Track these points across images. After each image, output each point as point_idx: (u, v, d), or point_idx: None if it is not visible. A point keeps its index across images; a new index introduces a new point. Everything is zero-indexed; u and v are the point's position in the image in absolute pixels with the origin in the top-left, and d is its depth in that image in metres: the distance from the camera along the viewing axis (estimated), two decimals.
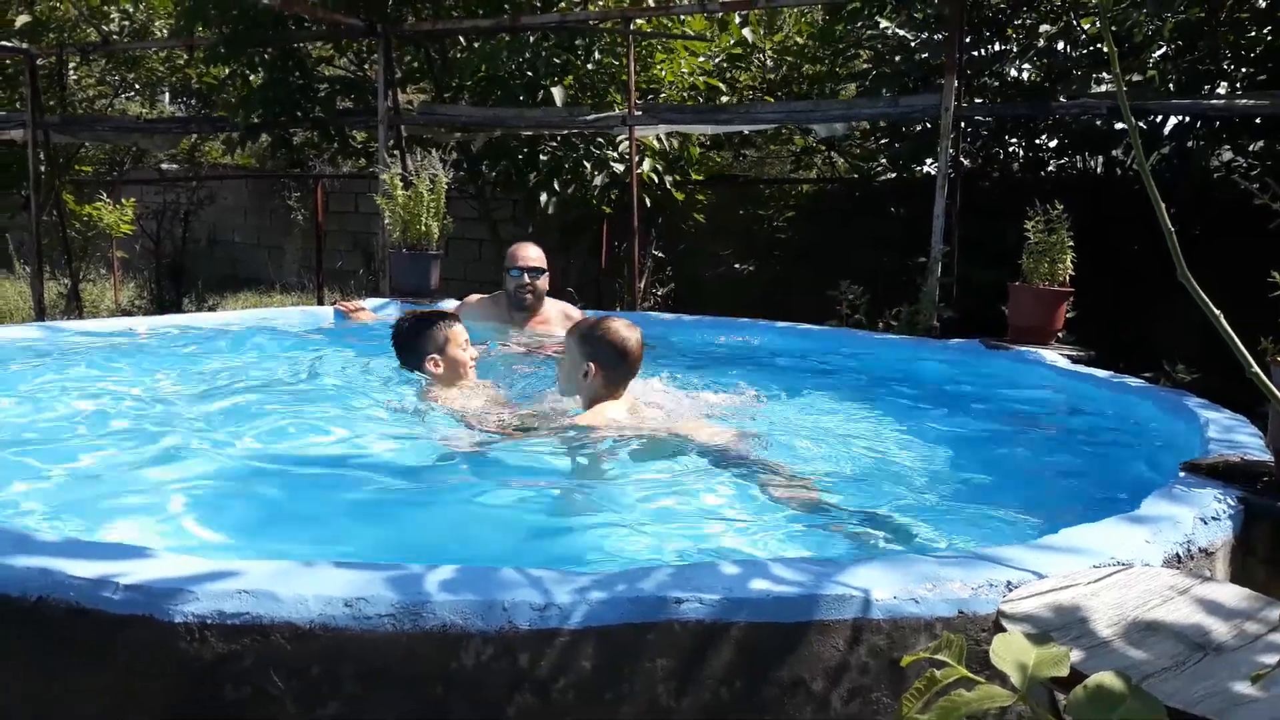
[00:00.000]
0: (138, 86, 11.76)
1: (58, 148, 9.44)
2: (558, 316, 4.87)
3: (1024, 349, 4.26)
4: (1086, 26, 7.07)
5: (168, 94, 12.31)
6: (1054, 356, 4.13)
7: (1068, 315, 4.73)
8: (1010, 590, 1.53)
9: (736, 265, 9.05)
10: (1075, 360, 4.17)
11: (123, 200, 10.07)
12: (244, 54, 7.97)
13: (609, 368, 2.85)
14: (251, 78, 8.51)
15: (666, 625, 1.41)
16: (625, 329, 2.89)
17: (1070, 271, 4.62)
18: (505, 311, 4.85)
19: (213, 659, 1.35)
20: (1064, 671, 0.92)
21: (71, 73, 10.76)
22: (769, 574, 1.51)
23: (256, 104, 7.81)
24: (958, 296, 5.79)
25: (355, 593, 1.37)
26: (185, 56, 10.05)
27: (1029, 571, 1.60)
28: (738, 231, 9.23)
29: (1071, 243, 4.61)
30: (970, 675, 0.95)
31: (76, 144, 10.49)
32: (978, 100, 7.27)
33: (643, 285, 7.90)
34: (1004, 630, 1.23)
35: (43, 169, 8.52)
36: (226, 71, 9.13)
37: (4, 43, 8.54)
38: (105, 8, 9.59)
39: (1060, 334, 4.74)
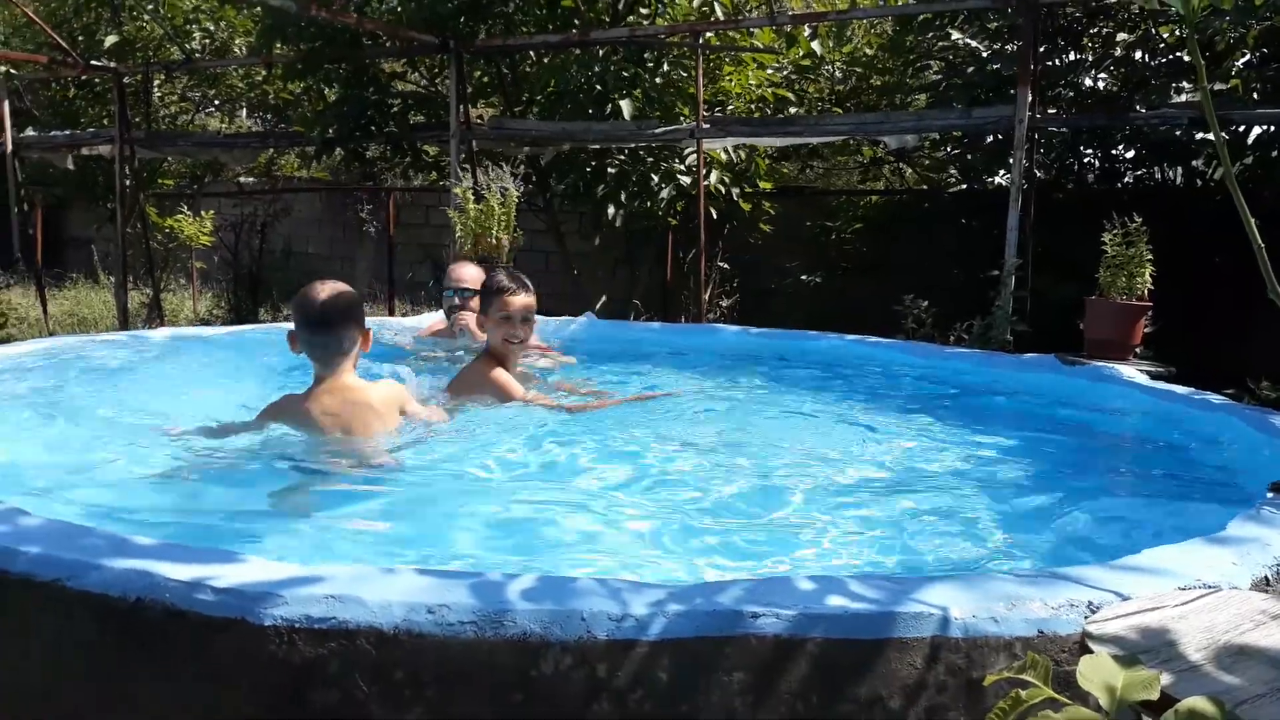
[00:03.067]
0: (217, 102, 12.14)
1: (142, 162, 9.77)
2: None
3: (1101, 364, 4.17)
4: (1165, 35, 6.92)
5: (245, 109, 12.68)
6: (1132, 372, 4.03)
7: (1146, 330, 4.63)
8: (1092, 611, 1.51)
9: (803, 277, 9.01)
10: (1154, 376, 4.08)
11: (202, 213, 10.39)
12: (320, 71, 8.17)
13: None
14: (327, 93, 8.73)
15: (743, 639, 1.41)
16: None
17: (1149, 285, 4.52)
18: (453, 336, 4.77)
19: (301, 662, 1.39)
20: (1154, 695, 0.91)
21: (156, 90, 11.13)
22: (845, 590, 1.50)
23: (332, 119, 8.01)
24: (1030, 310, 5.70)
25: (438, 599, 1.40)
26: (264, 73, 10.34)
27: (1111, 592, 1.57)
28: (804, 243, 9.20)
29: (1150, 256, 4.51)
30: (1057, 696, 0.94)
31: (160, 158, 10.84)
32: (1052, 110, 7.15)
33: (708, 296, 7.91)
34: (1090, 652, 1.22)
35: (128, 183, 8.83)
36: (303, 87, 9.37)
37: (95, 62, 8.86)
38: (188, 27, 9.92)
39: (1138, 349, 4.64)
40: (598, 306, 8.66)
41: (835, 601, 1.47)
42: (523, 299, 3.38)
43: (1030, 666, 0.98)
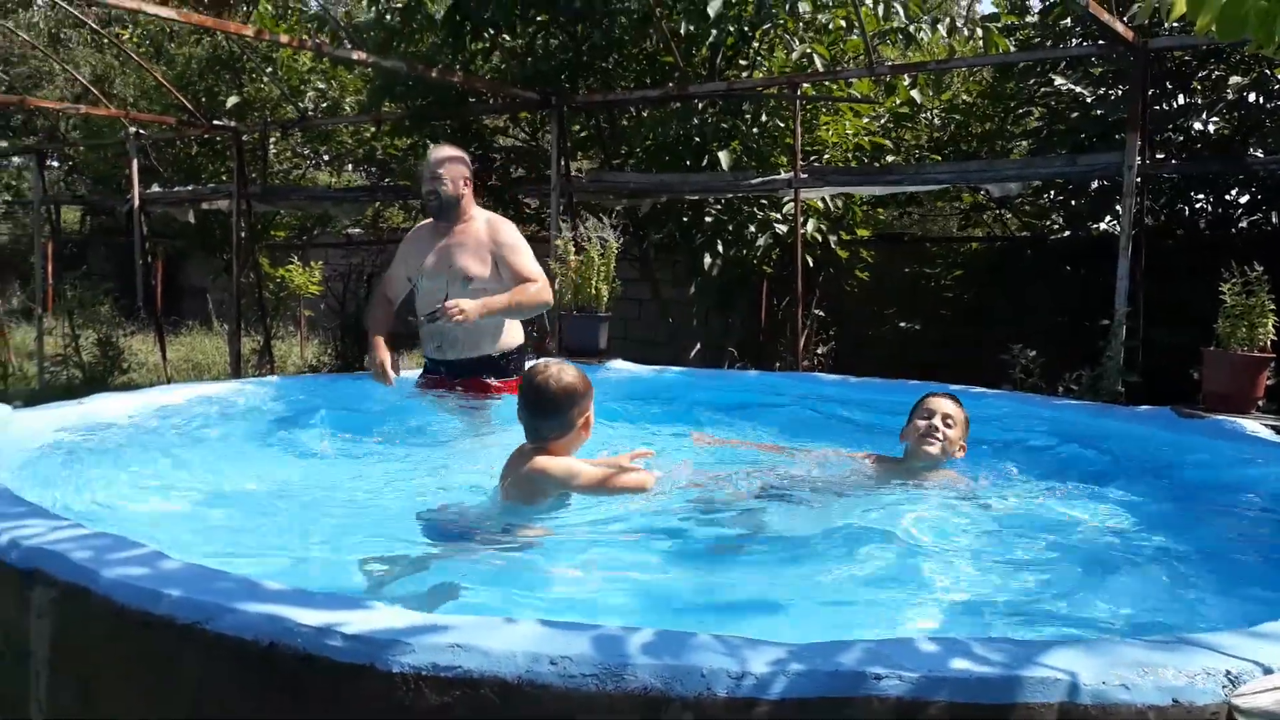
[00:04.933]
0: (327, 158, 12.65)
1: (257, 215, 10.22)
2: (483, 227, 4.42)
3: (1221, 418, 4.01)
4: None
5: (352, 165, 13.18)
6: (1255, 426, 3.87)
7: (1269, 383, 4.44)
8: (1230, 680, 1.46)
9: (901, 324, 8.90)
10: None
11: (311, 263, 10.80)
12: (427, 127, 8.46)
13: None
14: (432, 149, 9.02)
15: (865, 701, 1.40)
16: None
17: (1272, 336, 4.35)
18: (434, 225, 4.58)
19: (427, 709, 1.42)
20: None
21: (271, 147, 11.66)
22: (969, 653, 1.48)
23: None
24: (1141, 360, 5.53)
25: (560, 650, 1.42)
26: (372, 130, 10.74)
27: (1250, 661, 1.51)
28: (902, 290, 9.10)
29: (1273, 306, 4.35)
30: None
31: (273, 211, 11.33)
32: (1160, 156, 6.97)
33: (803, 344, 7.87)
34: None
35: (243, 235, 9.24)
36: (409, 143, 9.71)
37: (216, 122, 9.33)
38: (303, 87, 10.39)
39: (1261, 403, 4.45)
40: (692, 354, 8.70)
41: (959, 664, 1.44)
42: None
43: None
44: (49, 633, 1.78)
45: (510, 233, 4.44)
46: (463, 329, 4.27)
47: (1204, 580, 2.33)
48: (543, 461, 2.73)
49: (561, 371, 2.79)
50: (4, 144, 12.97)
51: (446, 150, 4.53)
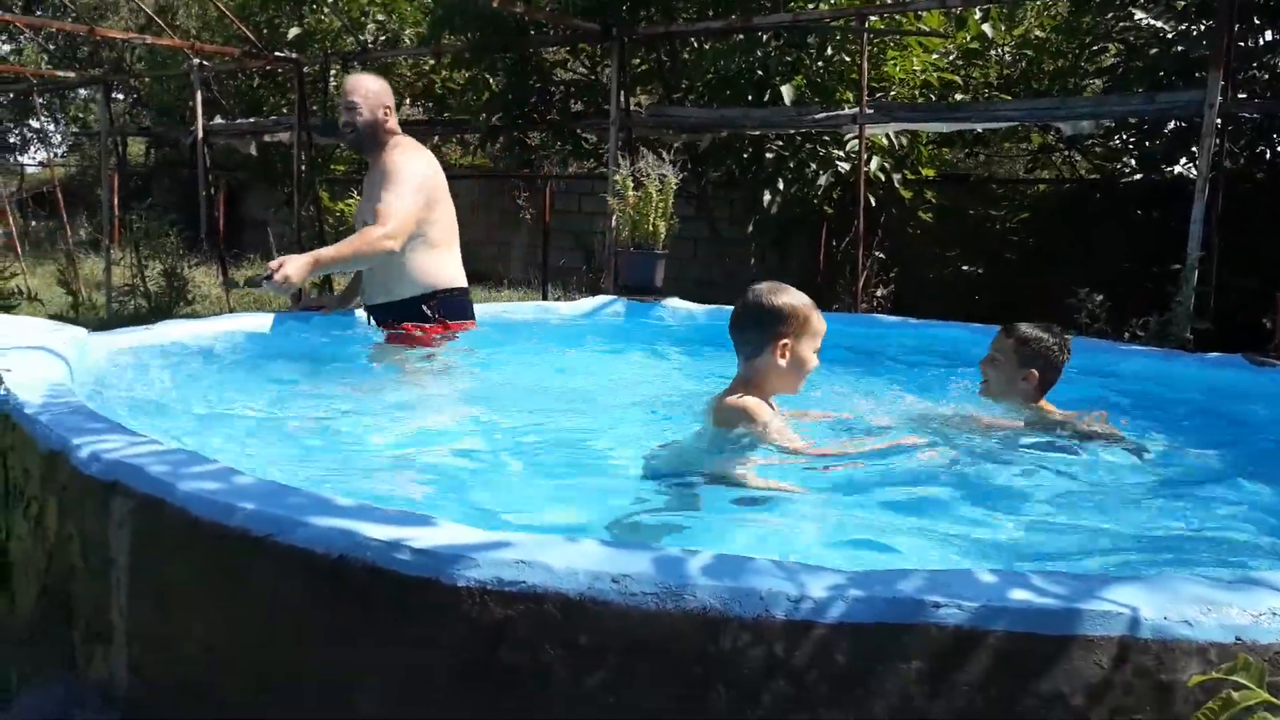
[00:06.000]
0: None
1: (317, 148, 10.30)
2: (385, 158, 3.99)
3: None
4: None
5: (409, 99, 13.20)
6: None
7: None
8: None
9: (964, 267, 8.74)
10: None
11: None
12: (487, 59, 8.42)
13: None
14: (492, 82, 8.99)
15: (923, 628, 1.40)
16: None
17: None
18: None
19: (491, 623, 1.46)
20: None
21: (332, 79, 11.71)
22: (1029, 584, 1.47)
23: (497, 107, 8.24)
24: (1215, 302, 5.38)
25: (621, 569, 1.44)
26: (431, 63, 10.73)
27: None
28: (966, 232, 8.92)
29: None
30: (1274, 699, 0.90)
31: (333, 145, 11.41)
32: (1243, 95, 6.70)
33: (863, 285, 7.78)
34: None
35: (304, 168, 9.32)
36: (468, 77, 9.68)
37: (278, 54, 9.38)
38: (363, 19, 10.39)
39: None
40: None
41: (1018, 595, 1.44)
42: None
43: (1242, 668, 0.95)
44: (128, 543, 1.85)
45: (393, 160, 3.90)
46: (368, 273, 4.01)
47: (1270, 524, 2.29)
48: (735, 399, 2.56)
49: (771, 290, 2.60)
50: (71, 75, 13.16)
51: (362, 77, 4.14)
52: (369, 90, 4.01)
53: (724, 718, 1.41)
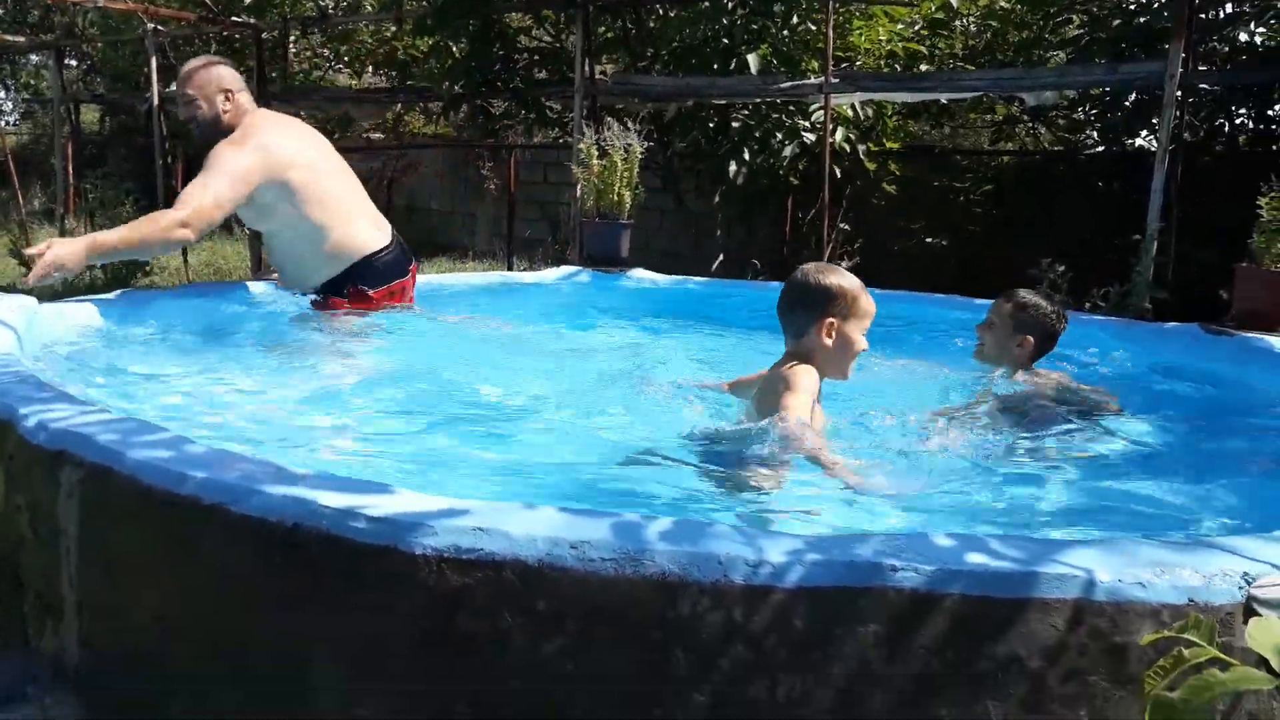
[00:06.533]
0: (347, 59, 12.47)
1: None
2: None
3: (1249, 335, 3.97)
4: None
5: (371, 67, 13.00)
6: None
7: None
8: (1247, 582, 1.46)
9: (928, 239, 8.78)
10: None
11: None
12: (450, 26, 8.29)
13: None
14: (455, 49, 8.86)
15: (880, 591, 1.41)
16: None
17: None
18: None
19: (449, 591, 1.44)
20: None
21: (291, 46, 11.50)
22: (986, 548, 1.48)
23: (460, 74, 8.14)
24: (1175, 274, 5.44)
25: (580, 535, 1.43)
26: (393, 30, 10.56)
27: (1266, 563, 1.50)
28: (930, 204, 8.95)
29: None
30: (1224, 656, 0.91)
31: (294, 112, 11.20)
32: (1204, 67, 6.75)
33: (828, 256, 7.78)
34: (1256, 615, 1.17)
35: None
36: (431, 44, 9.54)
37: (235, 19, 9.19)
38: None
39: None
40: (714, 266, 8.64)
41: (975, 558, 1.45)
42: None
43: (1193, 626, 0.96)
44: (77, 513, 1.81)
45: (218, 149, 3.55)
46: (278, 262, 3.87)
47: (1225, 490, 2.33)
48: (789, 369, 2.49)
49: (818, 269, 2.56)
50: (20, 40, 12.82)
51: (191, 66, 3.76)
52: (201, 80, 3.69)
53: (684, 682, 1.41)
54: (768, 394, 2.47)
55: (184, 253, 9.98)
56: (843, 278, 2.55)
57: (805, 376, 2.44)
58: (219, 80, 3.70)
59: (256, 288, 4.18)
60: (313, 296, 3.92)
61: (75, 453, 1.80)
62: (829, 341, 2.51)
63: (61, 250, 3.17)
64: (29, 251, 3.30)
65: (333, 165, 3.88)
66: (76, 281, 8.74)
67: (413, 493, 1.59)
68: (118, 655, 1.80)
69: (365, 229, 3.88)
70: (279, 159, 3.61)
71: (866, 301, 2.55)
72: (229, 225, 13.44)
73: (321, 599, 1.54)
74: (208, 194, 3.42)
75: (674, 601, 1.40)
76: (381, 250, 3.90)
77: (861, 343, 2.56)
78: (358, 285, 3.83)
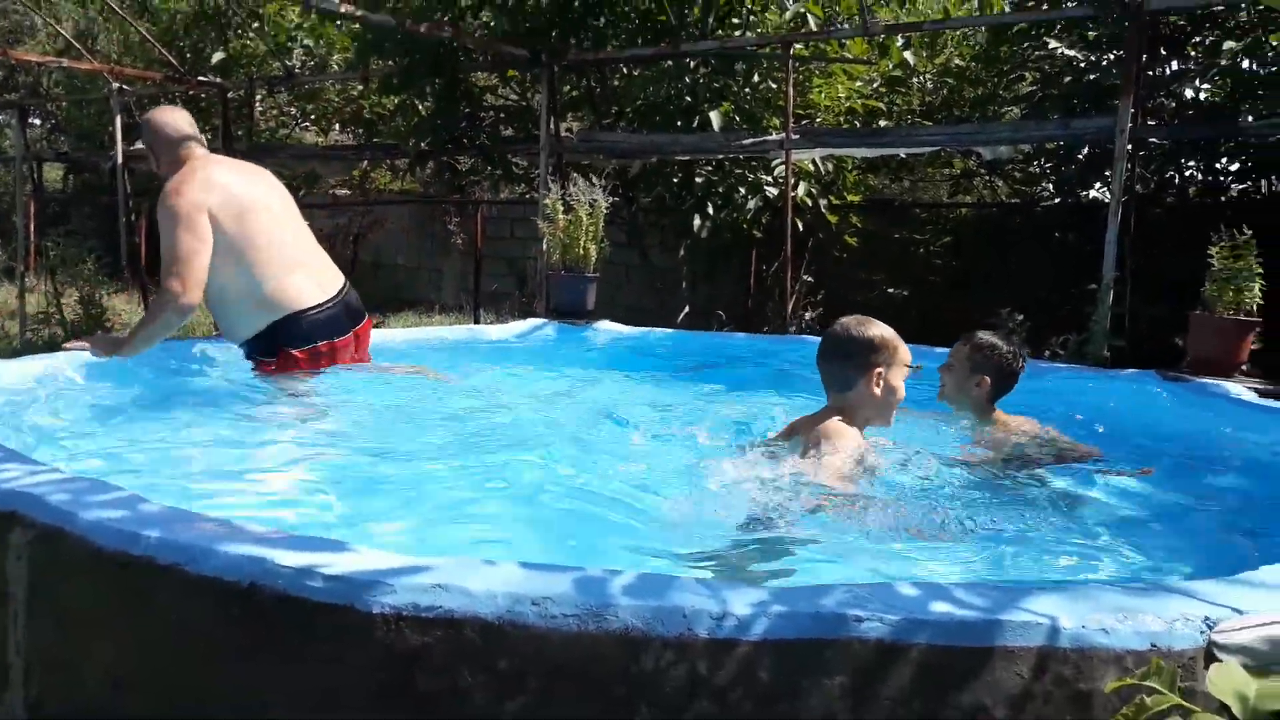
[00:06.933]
0: (314, 117, 12.51)
1: None
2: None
3: (1204, 381, 4.03)
4: (1276, 43, 6.67)
5: (338, 125, 13.04)
6: (1239, 389, 3.89)
7: (1253, 348, 4.45)
8: (1209, 626, 1.46)
9: (889, 290, 8.89)
10: (1263, 394, 3.92)
11: None
12: (415, 84, 8.36)
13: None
14: (420, 107, 8.93)
15: (846, 643, 1.40)
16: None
17: (1258, 300, 4.36)
18: None
19: (407, 650, 1.42)
20: None
21: (258, 105, 11.53)
22: (950, 597, 1.48)
23: (426, 131, 8.19)
24: (1128, 327, 5.54)
25: (541, 591, 1.41)
26: (359, 88, 10.63)
27: (1227, 607, 1.51)
28: (891, 256, 9.08)
29: (1260, 270, 4.35)
30: (1185, 704, 0.91)
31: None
32: (1152, 122, 6.95)
33: (791, 308, 7.86)
34: (1217, 660, 1.18)
35: None
36: (397, 102, 9.61)
37: (201, 78, 9.21)
38: (290, 44, 10.25)
39: (1245, 367, 4.46)
40: (680, 319, 8.68)
41: (940, 608, 1.45)
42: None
43: (1154, 673, 0.96)
44: (26, 575, 1.76)
45: (160, 207, 3.48)
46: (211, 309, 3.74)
47: (1185, 535, 2.35)
48: (834, 425, 2.56)
49: (859, 322, 2.65)
50: None
51: (147, 116, 3.78)
52: (147, 131, 3.69)
53: None
54: (812, 448, 2.52)
55: (145, 308, 9.89)
56: (883, 329, 2.65)
57: (849, 439, 2.53)
58: (157, 131, 3.67)
59: (208, 347, 4.12)
60: (247, 355, 3.74)
61: (26, 513, 1.76)
62: (877, 391, 2.61)
63: (95, 347, 3.48)
64: (66, 346, 3.51)
65: (276, 214, 3.71)
66: (34, 338, 8.63)
67: (370, 549, 1.57)
68: (71, 718, 1.74)
69: (298, 282, 3.67)
70: (214, 198, 3.50)
71: (905, 351, 2.66)
72: None
73: (280, 661, 1.51)
74: (174, 253, 3.40)
75: (637, 657, 1.38)
76: (313, 308, 3.68)
77: (902, 390, 2.66)
78: (281, 343, 3.63)
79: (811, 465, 2.46)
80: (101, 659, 1.68)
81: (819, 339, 2.78)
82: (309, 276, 3.73)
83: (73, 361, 3.53)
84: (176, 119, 3.73)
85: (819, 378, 2.76)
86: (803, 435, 2.62)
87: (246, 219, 3.56)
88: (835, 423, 2.59)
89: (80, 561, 1.66)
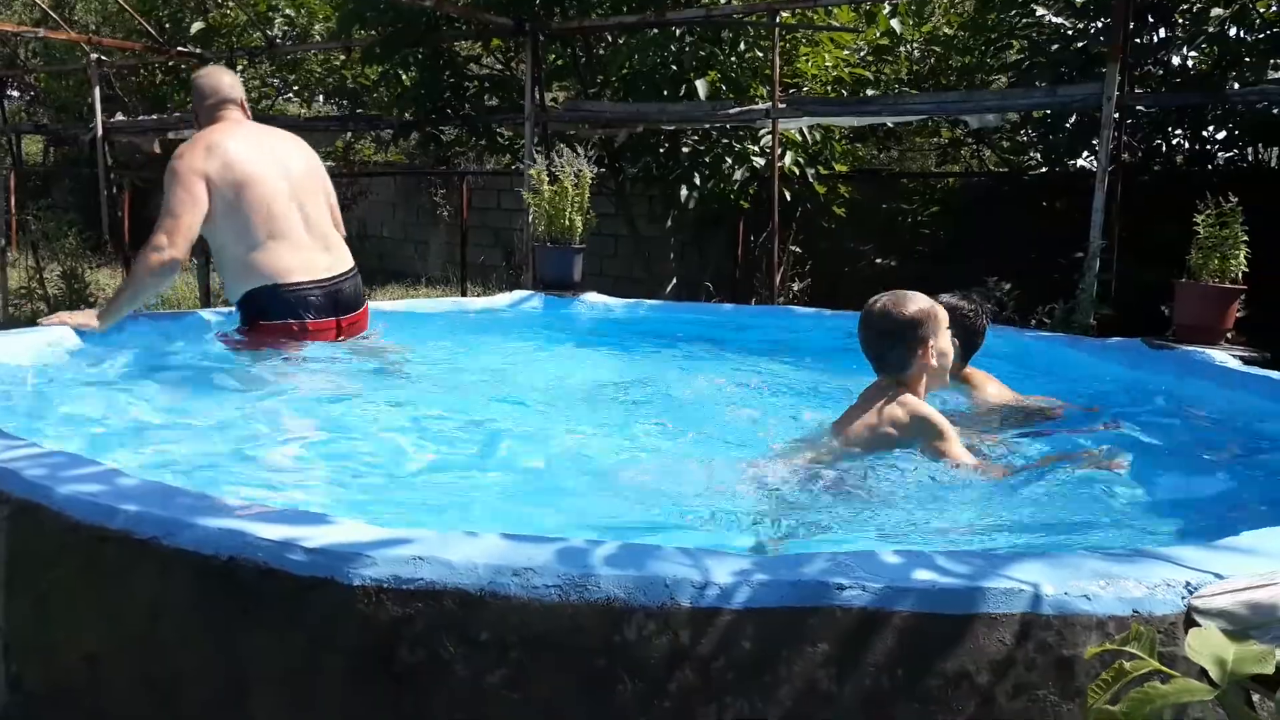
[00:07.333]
0: (296, 88, 12.37)
1: None
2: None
3: (1190, 349, 4.04)
4: (1262, 10, 6.65)
5: (322, 96, 12.90)
6: (1223, 357, 3.89)
7: (1239, 315, 4.46)
8: (1190, 591, 1.47)
9: (877, 260, 8.88)
10: (1248, 362, 3.93)
11: None
12: (398, 54, 8.27)
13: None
14: (404, 77, 8.83)
15: (828, 611, 1.40)
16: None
17: (1244, 268, 4.36)
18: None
19: (389, 621, 1.41)
20: (1269, 669, 0.88)
21: (239, 75, 11.38)
22: (933, 564, 1.48)
23: (410, 102, 8.11)
24: (1114, 294, 5.55)
25: (523, 562, 1.41)
26: (342, 58, 10.50)
27: (1209, 573, 1.52)
28: (879, 226, 9.06)
29: (1246, 238, 4.34)
30: (1163, 668, 0.91)
31: None
32: (1139, 90, 6.92)
33: (779, 279, 7.84)
34: (1196, 625, 1.18)
35: None
36: (380, 72, 9.50)
37: (181, 48, 9.09)
38: (270, 14, 10.12)
39: (1230, 334, 4.47)
40: (668, 290, 8.66)
41: (923, 576, 1.45)
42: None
43: (1134, 639, 0.95)
44: (4, 550, 1.75)
45: (168, 166, 3.56)
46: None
47: (1168, 500, 2.36)
48: (914, 404, 2.58)
49: (895, 302, 2.64)
50: None
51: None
52: (192, 91, 3.83)
53: (630, 709, 1.39)
54: (911, 436, 2.56)
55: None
56: (919, 300, 2.68)
57: (939, 421, 2.59)
58: (196, 90, 3.81)
59: (188, 319, 4.08)
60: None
61: (2, 488, 1.74)
62: (933, 362, 2.65)
63: (74, 320, 3.48)
64: (42, 322, 3.50)
65: (279, 188, 3.66)
66: (15, 314, 8.56)
67: (351, 521, 1.55)
68: (49, 697, 1.73)
69: (284, 256, 3.64)
70: (214, 163, 3.52)
71: (940, 310, 2.70)
72: None
73: (260, 634, 1.50)
74: (165, 209, 3.44)
75: (619, 627, 1.38)
76: (294, 284, 3.65)
77: (950, 347, 2.72)
78: (254, 313, 3.65)
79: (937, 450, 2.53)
80: (81, 634, 1.67)
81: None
82: (297, 253, 3.68)
83: (53, 337, 3.49)
84: (214, 80, 3.82)
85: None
86: (890, 426, 2.60)
87: (245, 188, 3.56)
88: (916, 401, 2.63)
89: (57, 537, 1.65)
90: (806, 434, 2.81)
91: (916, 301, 2.66)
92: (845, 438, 2.61)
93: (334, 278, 3.77)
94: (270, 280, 3.61)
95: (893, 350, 2.64)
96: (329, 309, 3.74)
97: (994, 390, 3.31)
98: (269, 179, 3.65)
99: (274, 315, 3.62)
